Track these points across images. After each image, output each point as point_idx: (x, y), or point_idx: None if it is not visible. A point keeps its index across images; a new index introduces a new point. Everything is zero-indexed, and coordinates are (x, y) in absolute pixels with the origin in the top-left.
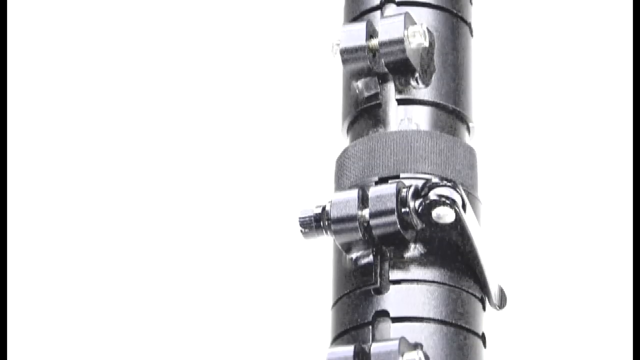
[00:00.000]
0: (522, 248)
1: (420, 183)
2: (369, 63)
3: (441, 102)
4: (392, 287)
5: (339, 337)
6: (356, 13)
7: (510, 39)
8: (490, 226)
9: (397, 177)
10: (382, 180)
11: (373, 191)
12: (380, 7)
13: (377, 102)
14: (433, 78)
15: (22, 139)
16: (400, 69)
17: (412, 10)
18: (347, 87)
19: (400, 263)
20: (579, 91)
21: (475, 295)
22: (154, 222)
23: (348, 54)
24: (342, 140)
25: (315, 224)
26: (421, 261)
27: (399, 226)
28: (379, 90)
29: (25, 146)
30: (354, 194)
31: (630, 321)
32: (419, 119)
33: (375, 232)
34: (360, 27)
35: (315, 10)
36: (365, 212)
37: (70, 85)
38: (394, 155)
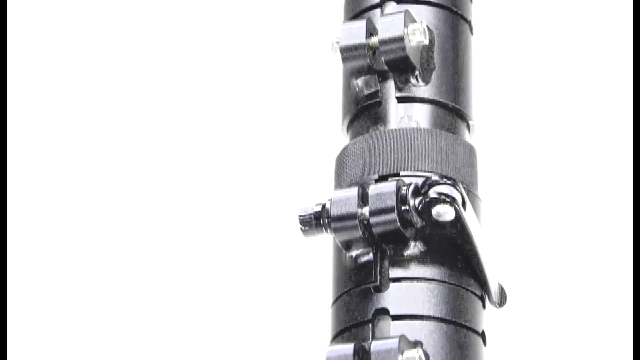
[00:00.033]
0: (522, 246)
1: (420, 181)
2: (368, 61)
3: (441, 100)
4: (392, 285)
5: (339, 335)
6: (356, 11)
7: (510, 37)
8: (490, 224)
9: (397, 175)
10: (382, 178)
11: (373, 189)
12: (380, 5)
13: (377, 100)
14: (433, 76)
15: (22, 139)
16: (400, 67)
17: (412, 8)
18: (347, 85)
19: (400, 261)
20: (579, 89)
21: (475, 293)
22: (154, 220)
23: (348, 52)
24: (342, 138)
25: (315, 221)
26: (421, 259)
27: (399, 224)
28: (379, 88)
29: (25, 146)
30: (354, 191)
31: (630, 317)
32: (419, 116)
33: (375, 230)
34: (360, 25)
35: (315, 8)
36: (365, 210)
37: (70, 85)
38: (394, 153)
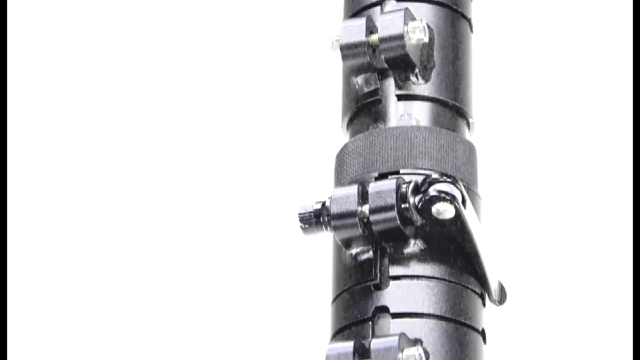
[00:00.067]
0: (521, 244)
1: (420, 179)
2: (368, 59)
3: (441, 97)
4: (392, 282)
5: (339, 333)
6: (356, 9)
7: (510, 34)
8: (490, 222)
9: (397, 172)
10: (382, 176)
11: (373, 187)
12: (380, 2)
13: (377, 97)
14: (433, 74)
15: (22, 139)
16: (400, 65)
17: (412, 6)
18: (347, 83)
19: (400, 259)
20: (579, 87)
21: (475, 291)
22: (154, 219)
23: (348, 50)
24: (342, 136)
25: (315, 219)
26: (421, 257)
27: (398, 222)
28: (378, 86)
29: (25, 146)
30: (353, 189)
31: (630, 315)
32: (418, 114)
33: (375, 228)
34: (360, 22)
35: (315, 6)
36: (365, 208)
37: (70, 85)
38: (394, 151)
